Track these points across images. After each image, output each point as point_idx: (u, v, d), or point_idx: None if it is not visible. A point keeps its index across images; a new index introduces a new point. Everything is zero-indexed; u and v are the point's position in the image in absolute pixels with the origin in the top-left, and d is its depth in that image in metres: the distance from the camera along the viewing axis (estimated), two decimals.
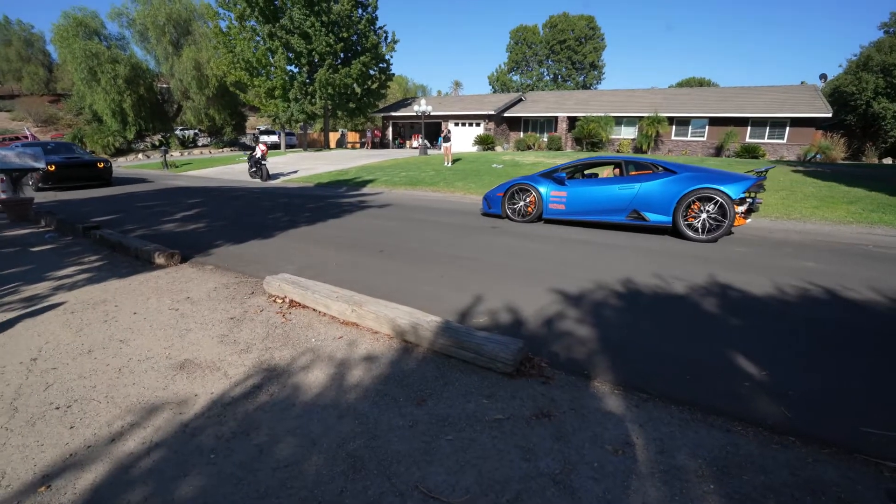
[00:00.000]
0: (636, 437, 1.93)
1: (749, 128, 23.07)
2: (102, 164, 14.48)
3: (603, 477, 1.70)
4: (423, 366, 2.57)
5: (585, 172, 7.89)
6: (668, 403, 2.21)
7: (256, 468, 1.78)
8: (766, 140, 22.69)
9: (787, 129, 22.30)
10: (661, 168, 6.64)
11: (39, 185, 13.08)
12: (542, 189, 7.38)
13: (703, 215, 6.02)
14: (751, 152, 21.21)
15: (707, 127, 23.94)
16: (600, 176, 8.02)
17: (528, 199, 7.54)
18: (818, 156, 21.02)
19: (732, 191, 5.87)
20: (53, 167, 12.99)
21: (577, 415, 2.10)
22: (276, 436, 1.97)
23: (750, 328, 3.20)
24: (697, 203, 6.08)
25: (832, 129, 25.97)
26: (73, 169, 13.75)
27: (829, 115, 21.34)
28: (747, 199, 6.09)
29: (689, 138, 24.52)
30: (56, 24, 32.78)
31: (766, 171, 6.53)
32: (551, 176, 7.44)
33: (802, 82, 29.66)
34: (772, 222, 7.49)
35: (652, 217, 6.42)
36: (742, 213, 6.06)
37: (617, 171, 7.40)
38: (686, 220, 6.15)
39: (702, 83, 45.10)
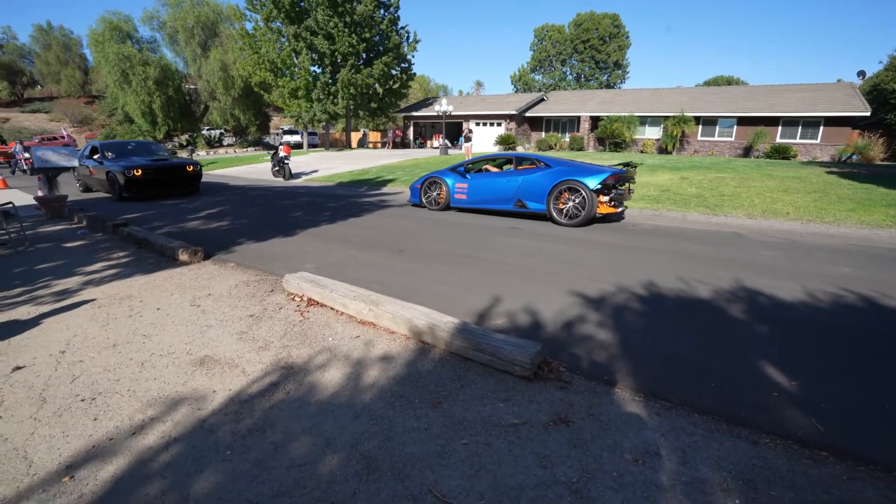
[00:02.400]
0: (658, 447, 1.87)
1: (780, 127, 22.23)
2: (192, 168, 11.80)
3: (622, 487, 1.65)
4: (439, 367, 2.55)
5: (504, 168, 8.45)
6: (692, 412, 2.13)
7: (271, 466, 1.79)
8: (797, 140, 21.85)
9: (821, 128, 21.42)
10: (542, 163, 7.50)
11: (123, 194, 10.41)
12: (449, 181, 8.36)
13: (570, 203, 6.90)
14: (781, 153, 20.45)
15: (735, 127, 23.18)
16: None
17: (439, 191, 8.52)
18: (854, 156, 20.14)
19: (591, 182, 6.70)
20: (140, 172, 10.34)
21: (596, 421, 2.05)
22: (292, 434, 1.98)
23: (779, 335, 3.07)
24: (566, 193, 6.91)
25: (871, 129, 24.79)
26: (163, 173, 11.10)
27: (867, 113, 20.41)
28: (612, 190, 6.87)
29: (716, 138, 23.81)
30: (92, 29, 34.14)
31: (632, 163, 7.42)
32: (456, 170, 8.44)
33: (839, 80, 28.51)
34: (803, 225, 7.21)
35: (531, 205, 7.31)
36: (608, 201, 6.83)
37: (510, 166, 8.24)
38: (557, 208, 7.00)
39: (730, 81, 43.81)
